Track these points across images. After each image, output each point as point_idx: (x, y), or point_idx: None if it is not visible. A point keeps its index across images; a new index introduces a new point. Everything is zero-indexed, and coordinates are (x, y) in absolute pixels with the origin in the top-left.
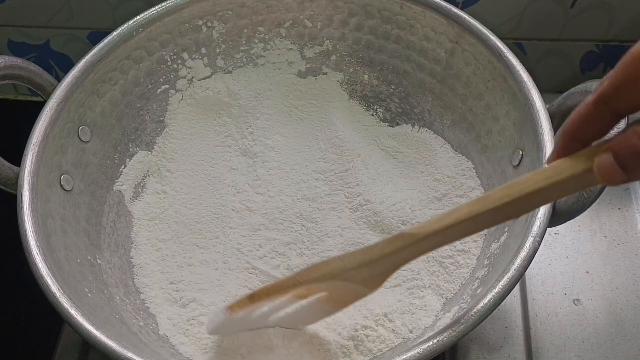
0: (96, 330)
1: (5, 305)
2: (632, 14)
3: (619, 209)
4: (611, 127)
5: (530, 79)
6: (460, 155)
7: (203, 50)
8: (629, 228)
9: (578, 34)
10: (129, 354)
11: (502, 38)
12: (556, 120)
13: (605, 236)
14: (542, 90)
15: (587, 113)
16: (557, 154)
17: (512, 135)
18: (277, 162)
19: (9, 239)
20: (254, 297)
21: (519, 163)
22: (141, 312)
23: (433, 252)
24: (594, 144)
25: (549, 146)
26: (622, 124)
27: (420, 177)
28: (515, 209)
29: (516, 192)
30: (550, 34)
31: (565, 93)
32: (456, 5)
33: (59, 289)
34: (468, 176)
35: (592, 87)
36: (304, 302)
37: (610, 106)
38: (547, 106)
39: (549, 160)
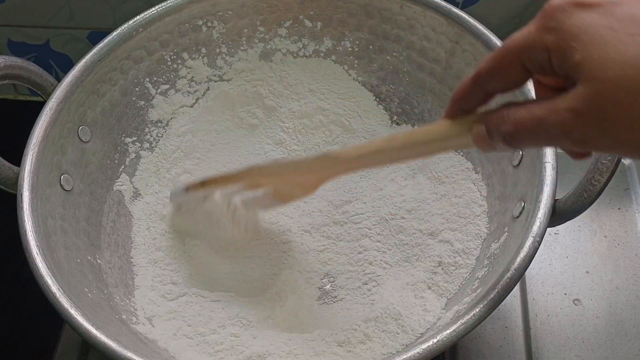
0: (96, 330)
1: (6, 305)
2: None
3: (619, 209)
4: (485, 101)
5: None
6: (460, 155)
7: (203, 50)
8: (629, 228)
9: None
10: (129, 354)
11: (502, 38)
12: None
13: (605, 236)
14: None
15: (466, 88)
16: (446, 114)
17: None
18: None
19: (9, 239)
20: (205, 183)
21: (519, 163)
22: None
23: (432, 252)
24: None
25: None
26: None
27: (420, 177)
28: (412, 153)
29: (415, 140)
30: None
31: None
32: (456, 5)
33: (59, 289)
34: (468, 176)
35: None
36: (255, 192)
37: (482, 86)
38: None
39: (443, 117)
